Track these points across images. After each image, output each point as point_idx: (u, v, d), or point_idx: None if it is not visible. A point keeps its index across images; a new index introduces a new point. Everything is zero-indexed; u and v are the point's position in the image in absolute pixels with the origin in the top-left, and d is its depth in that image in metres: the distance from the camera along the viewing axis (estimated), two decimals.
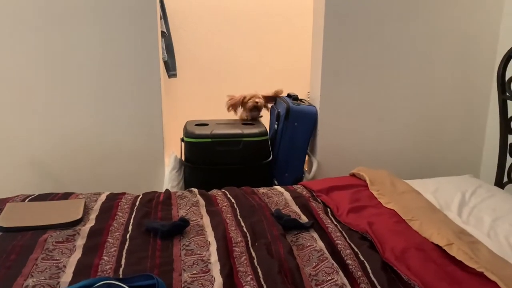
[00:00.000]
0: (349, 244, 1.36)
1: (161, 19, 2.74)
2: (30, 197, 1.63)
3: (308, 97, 2.77)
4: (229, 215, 1.54)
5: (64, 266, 1.19)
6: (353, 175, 1.98)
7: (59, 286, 1.10)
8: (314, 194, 1.78)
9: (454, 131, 2.65)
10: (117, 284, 1.02)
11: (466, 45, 2.51)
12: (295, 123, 2.47)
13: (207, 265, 1.23)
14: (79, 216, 1.47)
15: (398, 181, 1.85)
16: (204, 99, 3.44)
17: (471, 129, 2.66)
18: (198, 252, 1.30)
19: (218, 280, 1.14)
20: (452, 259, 1.24)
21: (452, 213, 1.61)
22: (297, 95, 2.65)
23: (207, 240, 1.36)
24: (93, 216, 1.51)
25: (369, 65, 2.45)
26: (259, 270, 1.20)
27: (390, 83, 2.50)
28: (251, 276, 1.17)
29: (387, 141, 2.60)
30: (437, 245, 1.30)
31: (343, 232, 1.44)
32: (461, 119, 2.64)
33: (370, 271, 1.21)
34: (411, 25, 2.43)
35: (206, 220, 1.51)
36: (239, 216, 1.54)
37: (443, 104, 2.60)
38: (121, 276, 1.16)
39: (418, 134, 2.62)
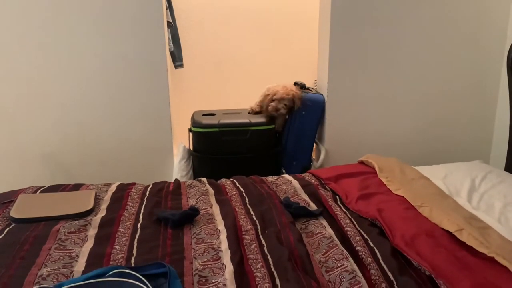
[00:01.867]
0: (358, 231, 1.37)
1: (166, 9, 2.73)
2: (41, 189, 1.65)
3: (315, 85, 2.75)
4: (238, 204, 1.55)
5: (77, 256, 1.21)
6: (361, 162, 1.98)
7: (73, 275, 1.12)
8: (323, 182, 1.78)
9: (463, 117, 2.63)
10: (130, 273, 1.03)
11: (476, 30, 2.48)
12: (303, 112, 2.47)
13: (218, 253, 1.24)
14: (90, 207, 1.49)
15: (407, 168, 1.84)
16: (211, 88, 3.44)
17: (481, 114, 2.64)
18: (209, 240, 1.31)
19: (229, 268, 1.16)
20: (463, 245, 1.23)
21: (462, 199, 1.61)
22: (304, 84, 2.64)
23: (217, 229, 1.37)
24: (104, 206, 1.53)
25: (376, 51, 2.43)
26: (269, 257, 1.21)
27: (398, 70, 2.49)
28: (261, 264, 1.18)
29: (396, 128, 2.59)
30: (447, 231, 1.30)
31: (352, 219, 1.45)
32: (470, 104, 2.61)
33: (380, 257, 1.22)
34: (420, 10, 2.40)
35: (216, 209, 1.51)
36: (248, 205, 1.54)
37: (453, 89, 2.57)
38: (133, 265, 1.18)
39: (427, 121, 2.60)
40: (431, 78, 2.53)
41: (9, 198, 1.54)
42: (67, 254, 1.21)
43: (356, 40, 2.39)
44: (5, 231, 1.32)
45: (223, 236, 1.32)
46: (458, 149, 2.65)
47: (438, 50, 2.49)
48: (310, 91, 2.58)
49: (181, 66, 3.21)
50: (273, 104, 2.39)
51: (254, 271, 1.15)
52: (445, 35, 2.46)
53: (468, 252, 1.20)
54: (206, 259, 1.21)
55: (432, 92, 2.56)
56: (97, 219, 1.42)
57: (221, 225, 1.39)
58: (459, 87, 2.57)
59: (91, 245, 1.27)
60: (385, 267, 1.17)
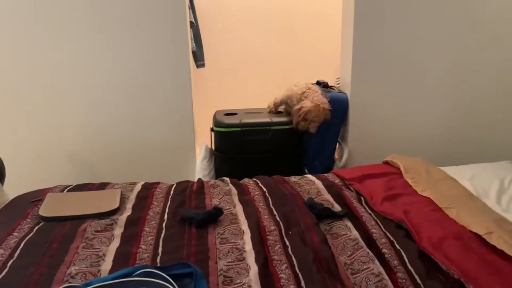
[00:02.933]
0: (384, 233, 1.35)
1: (189, 9, 2.75)
2: (68, 188, 1.68)
3: (338, 84, 2.73)
4: (261, 204, 1.55)
5: (104, 255, 1.23)
6: (386, 163, 1.95)
7: (100, 274, 1.13)
8: (347, 183, 1.76)
9: (491, 116, 2.57)
10: (156, 272, 1.04)
11: (501, 26, 2.42)
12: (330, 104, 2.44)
13: (242, 253, 1.24)
14: (116, 206, 1.50)
15: (433, 169, 1.81)
16: (233, 88, 3.45)
17: (508, 111, 2.57)
18: (233, 240, 1.31)
19: (254, 269, 1.15)
20: (493, 248, 1.20)
21: (491, 201, 1.57)
22: (327, 82, 2.62)
23: (241, 229, 1.37)
24: (129, 205, 1.55)
25: (400, 50, 2.39)
26: (293, 258, 1.21)
27: (422, 68, 2.44)
28: (286, 265, 1.18)
29: (421, 127, 2.54)
30: (475, 234, 1.27)
31: (378, 221, 1.43)
32: (499, 104, 2.55)
33: (406, 260, 1.20)
34: (444, 7, 2.35)
35: (239, 209, 1.52)
36: (271, 205, 1.54)
37: (478, 87, 2.51)
38: (158, 264, 1.19)
39: (452, 120, 2.55)
40: (457, 77, 2.48)
41: (37, 197, 1.57)
42: (94, 253, 1.23)
43: (380, 38, 2.36)
44: (35, 229, 1.35)
45: (247, 236, 1.32)
46: (486, 150, 2.58)
47: (464, 48, 2.43)
48: (332, 90, 2.56)
49: (203, 65, 3.23)
50: (303, 123, 2.32)
51: (278, 272, 1.15)
52: (471, 34, 2.41)
53: (498, 256, 1.17)
54: (230, 260, 1.21)
55: (458, 91, 2.50)
56: (123, 218, 1.44)
57: (244, 225, 1.39)
58: (486, 86, 2.51)
59: (118, 244, 1.29)
60: (412, 270, 1.15)
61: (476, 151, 2.57)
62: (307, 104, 2.28)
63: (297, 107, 2.32)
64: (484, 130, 2.58)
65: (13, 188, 1.75)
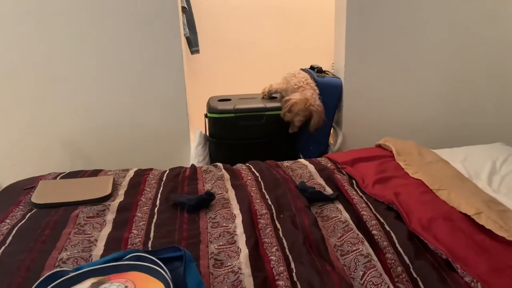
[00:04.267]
0: (374, 215, 1.36)
1: None
2: (61, 175, 1.68)
3: (333, 69, 2.72)
4: (253, 189, 1.55)
5: (96, 240, 1.23)
6: (379, 146, 1.95)
7: (91, 259, 1.14)
8: (339, 166, 1.77)
9: (485, 101, 2.56)
10: (146, 256, 1.04)
11: (498, 8, 2.40)
12: (320, 96, 2.44)
13: (233, 236, 1.25)
14: (108, 192, 1.51)
15: (425, 151, 1.81)
16: (227, 73, 3.43)
17: (504, 98, 2.56)
18: (224, 224, 1.32)
19: (244, 251, 1.16)
20: (481, 228, 1.21)
21: (482, 182, 1.57)
22: (321, 67, 2.61)
23: (232, 213, 1.38)
24: (121, 191, 1.55)
25: (394, 33, 2.38)
26: (284, 241, 1.22)
27: (417, 52, 2.43)
28: (276, 247, 1.19)
29: (414, 111, 2.54)
30: (465, 215, 1.28)
31: (369, 203, 1.43)
32: (493, 88, 2.54)
33: (396, 241, 1.21)
34: None
35: (231, 194, 1.52)
36: (263, 189, 1.55)
37: (473, 71, 2.51)
38: (150, 249, 1.20)
39: (446, 103, 2.55)
40: (451, 61, 2.47)
41: (30, 184, 1.58)
42: (86, 238, 1.24)
43: (373, 21, 2.34)
44: (27, 216, 1.36)
45: (239, 220, 1.33)
46: (480, 133, 2.58)
47: (460, 31, 2.41)
48: (327, 75, 2.55)
49: (197, 51, 3.20)
50: (289, 115, 2.30)
51: (269, 255, 1.16)
52: (467, 17, 2.39)
53: (486, 236, 1.18)
54: (221, 243, 1.22)
55: (452, 75, 2.50)
56: (115, 204, 1.45)
57: (236, 210, 1.40)
58: (481, 70, 2.50)
59: (109, 229, 1.30)
60: (401, 251, 1.17)
61: (470, 135, 2.57)
62: (295, 96, 2.27)
63: (286, 98, 2.32)
64: (479, 114, 2.58)
65: (8, 176, 1.75)
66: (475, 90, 2.54)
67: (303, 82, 2.36)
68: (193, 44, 3.15)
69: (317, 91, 2.37)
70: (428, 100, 2.53)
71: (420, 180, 1.53)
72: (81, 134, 2.37)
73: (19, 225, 1.30)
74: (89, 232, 1.27)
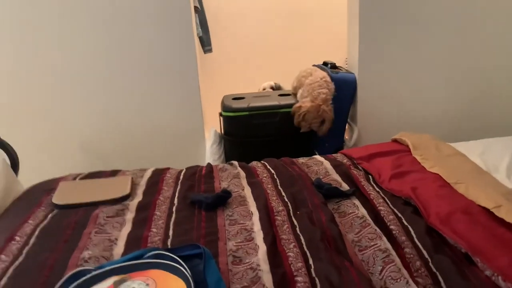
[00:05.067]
0: (392, 209, 1.35)
1: None
2: (80, 176, 1.71)
3: (346, 64, 2.71)
4: (269, 186, 1.56)
5: (116, 239, 1.26)
6: (395, 140, 1.94)
7: (113, 258, 1.16)
8: (355, 162, 1.76)
9: (501, 90, 2.52)
10: (166, 254, 1.06)
11: None
12: (335, 92, 2.43)
13: (251, 233, 1.26)
14: (127, 192, 1.53)
15: (442, 145, 1.80)
16: (241, 72, 3.45)
17: None
18: (241, 221, 1.33)
19: (262, 248, 1.17)
20: (501, 222, 1.20)
21: (501, 175, 1.55)
22: (334, 63, 2.60)
23: (249, 210, 1.39)
24: (140, 191, 1.57)
25: (407, 25, 2.35)
26: (301, 237, 1.22)
27: (432, 44, 2.40)
28: (294, 244, 1.19)
29: (430, 104, 2.52)
30: (484, 208, 1.27)
31: (386, 198, 1.43)
32: (509, 76, 2.50)
33: (414, 235, 1.21)
34: None
35: (248, 191, 1.53)
36: (279, 186, 1.55)
37: (490, 61, 2.47)
38: (169, 247, 1.22)
39: (462, 95, 2.51)
40: (467, 52, 2.43)
41: (51, 186, 1.61)
42: (107, 237, 1.26)
43: (386, 15, 2.32)
44: (49, 217, 1.38)
45: (256, 217, 1.34)
46: (498, 125, 2.54)
47: (475, 22, 2.38)
48: (340, 71, 2.54)
49: (210, 50, 3.23)
50: (304, 123, 2.29)
51: (287, 251, 1.16)
52: (482, 6, 2.35)
53: (507, 229, 1.17)
54: (239, 240, 1.23)
55: (468, 67, 2.46)
56: (134, 203, 1.47)
57: (253, 207, 1.41)
58: (498, 60, 2.46)
59: (129, 228, 1.32)
60: (420, 245, 1.16)
61: (488, 127, 2.53)
62: (306, 104, 2.26)
63: (297, 105, 2.31)
64: (496, 105, 2.54)
65: (28, 178, 1.78)
66: (492, 81, 2.51)
67: (322, 80, 2.34)
68: (205, 43, 3.17)
69: (333, 89, 2.35)
70: (444, 92, 2.50)
71: (437, 174, 1.52)
72: (98, 136, 2.41)
73: (42, 225, 1.33)
74: (109, 232, 1.29)
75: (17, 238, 1.26)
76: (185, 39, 2.29)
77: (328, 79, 2.37)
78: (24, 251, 1.19)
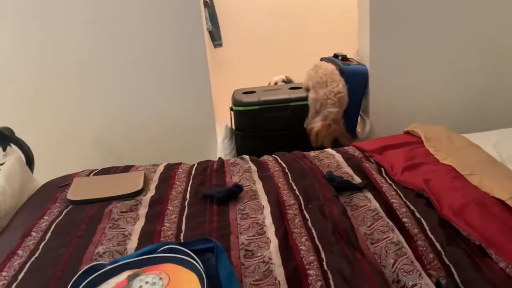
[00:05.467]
0: (404, 202, 1.34)
1: None
2: (94, 172, 1.73)
3: (357, 56, 2.68)
4: (281, 180, 1.56)
5: (130, 234, 1.27)
6: (407, 132, 1.92)
7: (126, 252, 1.18)
8: (367, 154, 1.75)
9: None
10: (179, 248, 1.07)
11: None
12: (346, 85, 2.42)
13: (262, 227, 1.26)
14: (140, 187, 1.55)
15: (455, 136, 1.78)
16: (251, 66, 3.44)
17: None
18: (253, 215, 1.33)
19: (274, 242, 1.18)
20: None
21: None
22: (345, 55, 2.57)
23: (261, 204, 1.39)
24: (153, 186, 1.59)
25: (419, 15, 2.32)
26: (313, 231, 1.22)
27: (443, 34, 2.36)
28: (305, 237, 1.19)
29: (443, 95, 2.48)
30: (499, 200, 1.25)
31: (398, 191, 1.42)
32: None
33: (427, 228, 1.20)
34: None
35: (259, 185, 1.54)
36: (291, 180, 1.55)
37: (502, 52, 2.42)
38: (182, 241, 1.23)
39: (475, 86, 2.47)
40: (480, 42, 2.39)
41: (65, 182, 1.63)
42: (121, 232, 1.28)
43: (397, 5, 2.29)
44: (64, 213, 1.41)
45: (267, 211, 1.34)
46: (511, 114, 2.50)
47: (487, 13, 2.33)
48: (352, 62, 2.52)
49: (220, 45, 3.22)
50: (317, 141, 2.28)
51: (298, 245, 1.17)
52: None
53: None
54: (251, 234, 1.24)
55: (481, 57, 2.42)
56: (147, 198, 1.48)
57: (264, 201, 1.41)
58: (511, 51, 2.42)
59: (143, 223, 1.33)
60: (433, 238, 1.15)
61: (502, 118, 2.49)
62: (317, 124, 2.24)
63: (308, 127, 2.30)
64: (508, 96, 2.49)
65: (43, 174, 1.82)
66: (505, 71, 2.46)
67: (330, 74, 2.32)
68: (216, 38, 3.17)
69: (342, 82, 2.33)
70: (456, 83, 2.47)
71: (451, 165, 1.50)
72: (111, 132, 2.44)
73: (57, 221, 1.35)
74: (123, 227, 1.31)
75: (33, 233, 1.29)
76: (195, 34, 2.29)
77: (336, 72, 2.35)
78: (40, 247, 1.22)
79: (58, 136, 2.43)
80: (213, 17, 3.10)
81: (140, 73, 2.35)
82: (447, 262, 1.06)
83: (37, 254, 1.18)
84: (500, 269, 1.02)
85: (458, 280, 1.01)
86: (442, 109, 2.50)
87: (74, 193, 1.51)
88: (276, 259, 1.11)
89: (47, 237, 1.27)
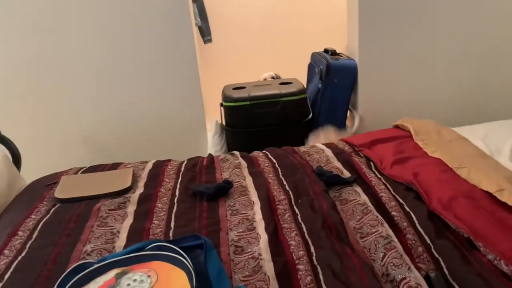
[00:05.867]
0: (393, 196, 1.35)
1: None
2: (82, 169, 1.72)
3: (347, 51, 2.68)
4: (271, 175, 1.56)
5: (118, 232, 1.26)
6: (396, 126, 1.93)
7: (115, 250, 1.17)
8: (357, 149, 1.76)
9: (503, 73, 2.49)
10: (168, 246, 1.06)
11: None
12: (335, 80, 2.42)
13: (252, 223, 1.26)
14: (129, 184, 1.53)
15: (444, 130, 1.78)
16: (241, 61, 3.43)
17: None
18: (243, 211, 1.33)
19: (264, 237, 1.17)
20: (504, 205, 1.19)
21: (504, 159, 1.54)
22: (334, 50, 2.57)
23: (251, 200, 1.39)
24: (141, 183, 1.57)
25: (408, 10, 2.32)
26: (303, 226, 1.22)
27: (432, 28, 2.37)
28: (295, 232, 1.19)
29: (432, 90, 2.49)
30: (487, 192, 1.26)
31: (387, 185, 1.42)
32: (509, 59, 2.47)
33: (416, 221, 1.20)
34: None
35: (249, 181, 1.53)
36: (281, 175, 1.55)
37: (490, 44, 2.43)
38: (171, 238, 1.22)
39: (464, 80, 2.49)
40: (468, 36, 2.40)
41: (53, 180, 1.61)
42: (109, 230, 1.27)
43: (387, 0, 2.29)
44: (51, 211, 1.39)
45: (257, 207, 1.34)
46: (501, 109, 2.52)
47: (478, 5, 2.34)
48: (341, 57, 2.52)
49: (210, 41, 3.21)
50: None
51: (288, 240, 1.16)
52: None
53: (509, 213, 1.16)
54: (241, 230, 1.23)
55: (471, 50, 2.43)
56: (135, 196, 1.47)
57: (254, 197, 1.41)
58: (499, 43, 2.43)
59: (131, 221, 1.32)
60: (422, 231, 1.16)
61: (491, 111, 2.51)
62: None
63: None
64: (500, 89, 2.51)
65: (30, 173, 1.79)
66: (493, 64, 2.47)
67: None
68: (205, 33, 3.15)
69: None
70: (446, 77, 2.48)
71: (439, 159, 1.50)
72: (99, 129, 2.41)
73: (44, 220, 1.34)
74: (111, 224, 1.30)
75: (20, 233, 1.27)
76: (184, 30, 2.27)
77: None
78: (27, 246, 1.20)
79: (46, 134, 2.40)
80: (202, 12, 3.08)
81: (129, 70, 2.33)
82: (436, 255, 1.07)
83: (24, 254, 1.17)
84: (488, 261, 1.02)
85: (446, 272, 1.01)
86: (431, 102, 2.51)
87: (61, 191, 1.49)
88: (266, 255, 1.10)
89: (34, 236, 1.25)
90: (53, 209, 1.41)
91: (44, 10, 2.18)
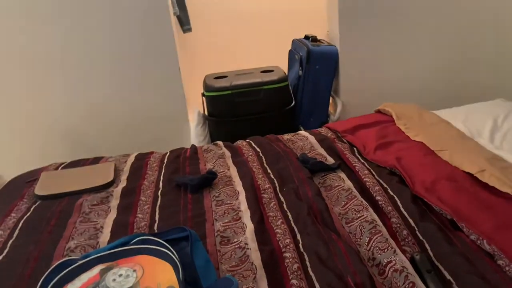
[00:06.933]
0: (377, 180, 1.35)
1: None
2: (62, 165, 1.68)
3: (328, 37, 2.67)
4: (255, 164, 1.55)
5: (102, 227, 1.24)
6: (378, 111, 1.93)
7: (99, 246, 1.15)
8: (340, 135, 1.76)
9: (484, 56, 2.52)
10: (153, 239, 1.05)
11: None
12: (316, 66, 2.41)
13: (238, 213, 1.25)
14: (111, 179, 1.51)
15: (426, 113, 1.80)
16: (222, 50, 3.38)
17: (500, 51, 2.52)
18: (228, 201, 1.32)
19: (250, 227, 1.17)
20: (485, 186, 1.21)
21: (484, 140, 1.56)
22: (315, 36, 2.56)
23: (235, 190, 1.38)
24: (124, 177, 1.55)
25: None
26: (288, 213, 1.22)
27: (412, 12, 2.38)
28: (281, 220, 1.19)
29: (413, 73, 2.51)
30: (468, 174, 1.28)
31: (371, 170, 1.43)
32: (490, 43, 2.50)
33: (400, 205, 1.21)
34: None
35: (233, 171, 1.52)
36: (265, 164, 1.54)
37: (470, 27, 2.45)
38: (156, 231, 1.20)
39: (444, 63, 2.51)
40: (448, 21, 2.41)
41: (32, 177, 1.57)
42: (92, 226, 1.25)
43: None
44: (32, 209, 1.36)
45: (242, 196, 1.33)
46: (481, 91, 2.55)
47: None
48: (322, 43, 2.51)
49: (190, 30, 3.16)
50: None
51: (274, 228, 1.16)
52: None
53: (490, 193, 1.18)
54: (227, 220, 1.22)
55: (450, 34, 2.45)
56: (118, 190, 1.45)
57: (239, 186, 1.40)
58: (477, 24, 2.45)
59: (114, 215, 1.30)
60: (406, 214, 1.17)
61: (471, 93, 2.53)
62: None
63: None
64: (479, 71, 2.54)
65: (10, 170, 1.75)
66: (472, 47, 2.50)
67: None
68: (184, 22, 3.10)
69: None
70: (426, 61, 2.50)
71: (421, 142, 1.52)
72: (79, 123, 2.37)
73: (25, 218, 1.31)
74: (94, 220, 1.28)
75: (0, 232, 1.24)
76: (161, 19, 2.23)
77: None
78: (8, 245, 1.17)
79: (25, 130, 2.34)
80: (180, 1, 3.03)
81: (107, 62, 2.28)
82: (421, 238, 1.08)
83: (4, 253, 1.14)
84: (472, 242, 1.04)
85: (431, 254, 1.02)
86: (412, 87, 2.53)
87: (42, 188, 1.46)
88: (252, 244, 1.10)
89: (14, 234, 1.22)
90: (34, 206, 1.38)
91: (18, 3, 2.11)
